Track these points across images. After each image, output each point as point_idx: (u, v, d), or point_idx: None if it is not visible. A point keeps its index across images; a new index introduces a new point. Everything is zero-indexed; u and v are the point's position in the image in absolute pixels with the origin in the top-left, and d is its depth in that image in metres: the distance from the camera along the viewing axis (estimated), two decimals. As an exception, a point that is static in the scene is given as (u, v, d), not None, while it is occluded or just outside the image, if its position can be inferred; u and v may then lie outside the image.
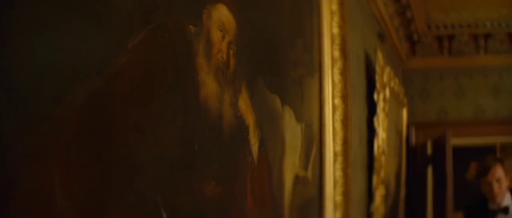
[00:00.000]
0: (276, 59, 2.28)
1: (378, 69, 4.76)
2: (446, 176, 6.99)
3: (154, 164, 1.31)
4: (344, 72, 3.16)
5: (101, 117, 1.13)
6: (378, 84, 4.74)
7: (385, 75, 5.02)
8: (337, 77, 3.11)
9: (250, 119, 1.91)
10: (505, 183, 5.15)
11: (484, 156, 5.45)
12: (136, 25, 1.25)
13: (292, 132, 2.42)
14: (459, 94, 7.95)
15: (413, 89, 7.97)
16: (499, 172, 5.13)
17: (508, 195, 5.21)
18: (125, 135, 1.20)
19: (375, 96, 4.71)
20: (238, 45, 1.80)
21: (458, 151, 7.31)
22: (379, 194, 4.80)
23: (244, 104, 1.86)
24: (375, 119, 4.70)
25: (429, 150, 7.73)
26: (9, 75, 0.91)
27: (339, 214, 3.06)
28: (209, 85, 1.59)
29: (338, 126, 3.11)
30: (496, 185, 5.10)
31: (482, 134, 7.78)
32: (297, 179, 2.47)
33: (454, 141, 7.22)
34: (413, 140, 7.81)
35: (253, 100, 1.95)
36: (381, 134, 4.84)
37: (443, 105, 7.98)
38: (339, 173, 3.08)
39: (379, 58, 4.80)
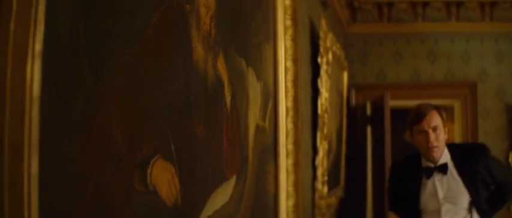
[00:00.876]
0: (242, 29, 2.71)
1: (321, 35, 5.10)
2: (384, 136, 7.05)
3: (167, 108, 1.77)
4: (295, 39, 3.55)
5: (137, 74, 1.58)
6: (321, 49, 5.09)
7: (328, 40, 5.35)
8: (288, 43, 3.51)
9: (225, 77, 2.36)
10: (443, 135, 4.07)
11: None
12: (155, 6, 1.70)
13: (254, 89, 2.85)
14: (397, 58, 8.18)
15: (353, 53, 8.14)
16: (435, 119, 4.07)
17: (446, 151, 4.11)
18: (150, 86, 1.65)
19: (319, 60, 5.05)
20: (217, 18, 2.25)
21: (396, 112, 7.44)
22: (322, 148, 5.14)
23: (221, 65, 2.31)
24: (319, 80, 5.04)
25: (368, 111, 7.87)
26: (91, 40, 1.35)
27: (290, 161, 3.48)
28: (199, 50, 2.04)
29: (289, 84, 3.52)
30: (432, 135, 4.00)
31: (419, 97, 7.44)
32: (258, 128, 2.91)
33: (392, 103, 7.23)
34: (353, 101, 7.98)
35: (227, 62, 2.40)
36: (324, 94, 5.17)
37: (381, 69, 8.20)
38: (290, 125, 3.49)
39: (323, 25, 5.12)
